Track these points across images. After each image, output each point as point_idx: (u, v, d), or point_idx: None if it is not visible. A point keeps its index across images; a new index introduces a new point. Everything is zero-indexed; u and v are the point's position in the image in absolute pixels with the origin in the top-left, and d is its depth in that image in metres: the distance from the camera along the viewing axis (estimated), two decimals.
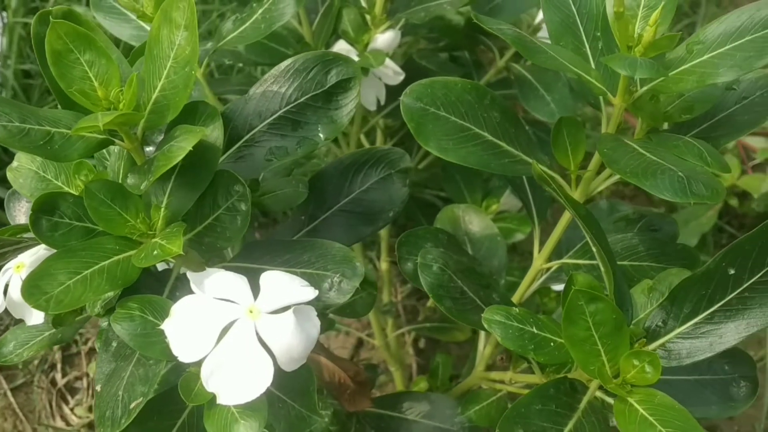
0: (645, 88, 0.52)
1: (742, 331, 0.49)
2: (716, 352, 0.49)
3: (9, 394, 1.06)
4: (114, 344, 0.48)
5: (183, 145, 0.43)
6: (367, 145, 0.98)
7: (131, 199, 0.48)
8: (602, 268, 0.49)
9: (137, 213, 0.48)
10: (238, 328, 0.42)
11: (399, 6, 0.78)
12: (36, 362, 1.09)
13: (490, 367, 0.71)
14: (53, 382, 1.09)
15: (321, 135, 0.54)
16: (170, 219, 0.49)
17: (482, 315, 0.50)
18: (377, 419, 0.70)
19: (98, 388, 0.47)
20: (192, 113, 0.48)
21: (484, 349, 0.70)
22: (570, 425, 0.46)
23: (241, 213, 0.48)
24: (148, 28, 0.66)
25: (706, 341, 0.49)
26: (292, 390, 0.49)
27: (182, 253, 0.44)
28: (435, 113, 0.54)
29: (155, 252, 0.44)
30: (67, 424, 1.05)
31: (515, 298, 0.66)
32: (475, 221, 0.77)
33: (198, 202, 0.49)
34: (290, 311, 0.43)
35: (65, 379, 1.08)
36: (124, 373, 0.46)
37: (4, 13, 1.30)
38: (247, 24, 0.70)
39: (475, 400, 0.65)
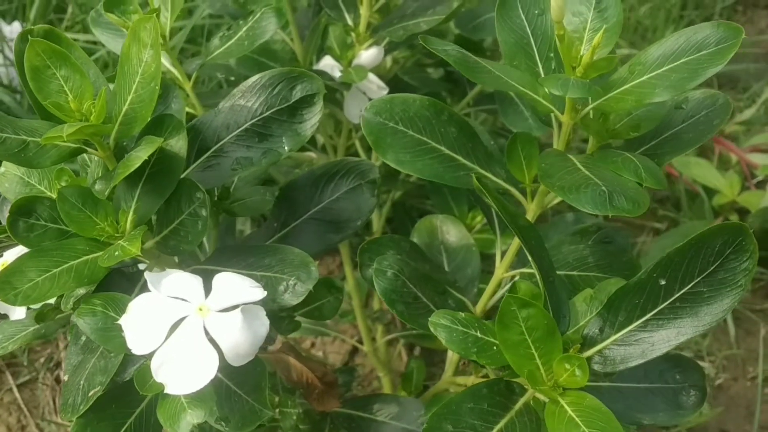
0: (589, 107, 0.55)
1: (673, 339, 0.51)
2: (648, 358, 0.52)
3: (15, 389, 1.11)
4: (83, 338, 0.53)
5: (140, 154, 0.47)
6: (363, 155, 1.01)
7: (101, 204, 0.52)
8: (538, 277, 0.51)
9: (106, 216, 0.52)
10: (187, 324, 0.46)
11: (382, 24, 0.82)
12: (42, 360, 1.14)
13: (460, 372, 0.74)
14: (57, 380, 1.13)
15: (285, 147, 0.58)
16: (137, 222, 0.53)
17: (429, 319, 0.54)
18: (348, 420, 0.73)
19: (65, 378, 0.51)
20: (159, 125, 0.52)
21: (452, 354, 0.73)
22: (501, 424, 0.49)
23: (202, 218, 0.52)
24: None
25: (639, 348, 0.52)
26: (247, 385, 0.53)
27: (140, 254, 0.48)
28: (393, 127, 0.58)
29: (117, 252, 0.48)
30: (70, 420, 1.09)
31: (480, 306, 0.69)
32: (452, 232, 0.80)
33: (164, 207, 0.53)
34: (238, 310, 0.47)
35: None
36: (88, 364, 0.50)
37: (24, 24, 1.36)
38: (232, 41, 0.74)
39: (438, 403, 0.68)
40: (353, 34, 0.83)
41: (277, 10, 0.72)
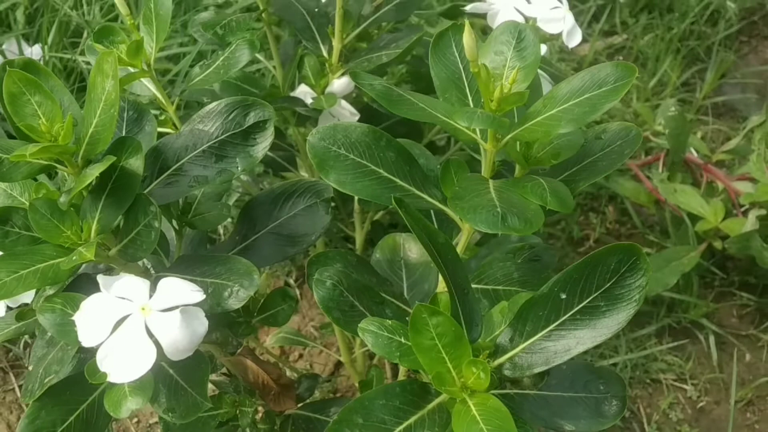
0: (508, 137, 0.60)
1: (573, 348, 0.57)
2: (551, 365, 0.57)
3: (17, 389, 1.19)
4: (48, 334, 0.59)
5: (93, 172, 0.54)
6: None
7: (67, 215, 0.59)
8: (448, 290, 0.57)
9: (71, 226, 0.59)
10: (130, 321, 0.53)
11: (352, 56, 0.88)
12: None
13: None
14: None
15: (239, 167, 0.64)
16: (100, 231, 0.60)
17: (359, 325, 0.60)
18: (307, 421, 0.79)
19: (30, 368, 0.58)
20: (121, 146, 0.60)
21: None
22: (411, 420, 0.55)
23: (155, 229, 0.58)
24: (129, 70, 0.79)
25: (543, 356, 0.57)
26: (191, 380, 0.59)
27: (94, 258, 0.55)
28: (336, 152, 0.64)
29: (75, 257, 0.55)
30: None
31: None
32: (413, 249, 0.86)
33: (125, 219, 0.60)
34: (177, 310, 0.54)
35: None
36: (49, 356, 0.57)
37: (41, 49, 1.45)
38: (211, 69, 0.82)
39: None
40: (327, 65, 0.89)
41: (250, 42, 0.79)
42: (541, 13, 0.91)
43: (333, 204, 1.27)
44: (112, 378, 0.52)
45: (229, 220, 1.03)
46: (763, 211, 1.35)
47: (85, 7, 1.49)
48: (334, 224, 1.19)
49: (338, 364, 1.27)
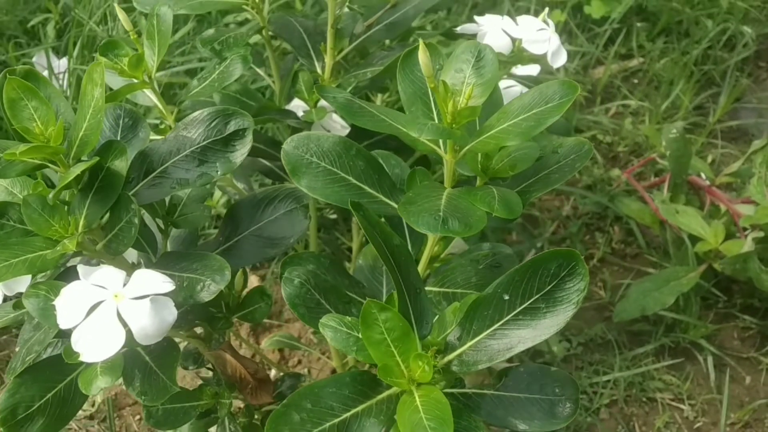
0: (465, 149, 0.65)
1: (515, 347, 0.61)
2: (494, 362, 0.61)
3: None
4: (35, 320, 0.65)
5: (75, 170, 0.60)
6: None
7: (57, 210, 0.65)
8: (396, 289, 0.61)
9: (60, 220, 0.64)
10: (103, 307, 0.58)
11: (342, 73, 0.94)
12: None
13: None
14: None
15: (218, 171, 0.70)
16: (86, 226, 0.66)
17: (320, 321, 0.64)
18: None
19: (17, 349, 0.63)
20: (108, 148, 0.65)
21: None
22: (359, 408, 0.59)
23: (135, 225, 0.64)
24: (131, 81, 0.85)
25: (487, 354, 0.61)
26: (163, 365, 0.64)
27: (74, 249, 0.60)
28: (309, 159, 0.69)
29: (59, 248, 0.61)
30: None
31: None
32: None
33: (110, 216, 0.66)
34: (147, 299, 0.59)
35: None
36: (33, 338, 0.63)
37: (67, 61, 1.54)
38: (206, 82, 0.88)
39: None
40: (319, 80, 0.95)
41: (243, 57, 0.85)
42: (526, 34, 0.95)
43: (334, 217, 1.33)
44: (83, 357, 0.57)
45: None
46: (761, 234, 1.37)
47: (109, 23, 1.57)
48: (335, 236, 1.24)
49: (335, 370, 1.31)
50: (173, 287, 0.60)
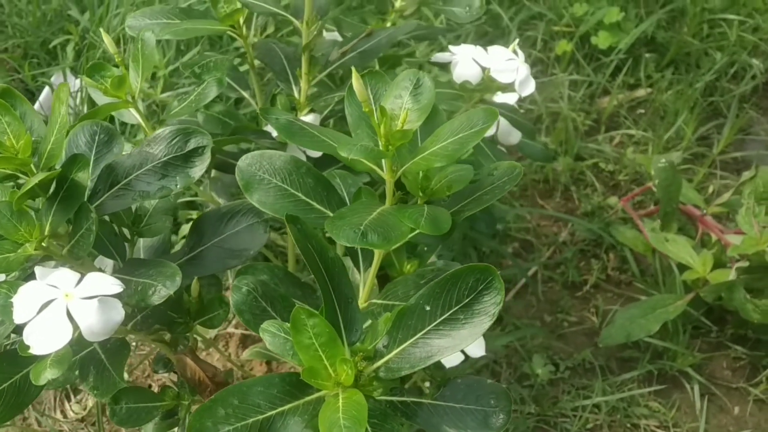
0: (402, 169, 0.70)
1: (435, 355, 0.65)
2: (415, 369, 0.65)
3: None
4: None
5: (33, 180, 0.66)
6: None
7: (25, 216, 0.71)
8: (323, 297, 0.66)
9: (27, 226, 0.71)
10: (53, 304, 0.64)
11: (315, 97, 1.00)
12: None
13: None
14: None
15: (178, 185, 0.76)
16: (51, 232, 0.72)
17: (260, 326, 0.69)
18: None
19: None
20: (73, 161, 0.72)
21: None
22: (285, 407, 0.64)
23: (92, 232, 0.70)
24: (114, 100, 0.92)
25: (409, 362, 0.66)
26: (114, 363, 0.70)
27: (34, 253, 0.66)
28: (261, 176, 0.75)
29: (20, 251, 0.67)
30: (64, 416, 1.29)
31: None
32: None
33: (73, 224, 0.72)
34: (96, 299, 0.64)
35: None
36: None
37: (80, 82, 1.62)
38: (185, 103, 0.94)
39: None
40: (296, 103, 1.01)
41: (218, 80, 0.92)
42: (494, 64, 1.00)
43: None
44: (33, 350, 0.63)
45: None
46: (746, 263, 1.39)
47: (122, 45, 1.66)
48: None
49: None
50: (121, 289, 0.66)
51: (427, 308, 0.65)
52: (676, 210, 1.51)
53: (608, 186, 1.86)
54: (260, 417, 0.62)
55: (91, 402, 1.29)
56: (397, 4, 1.25)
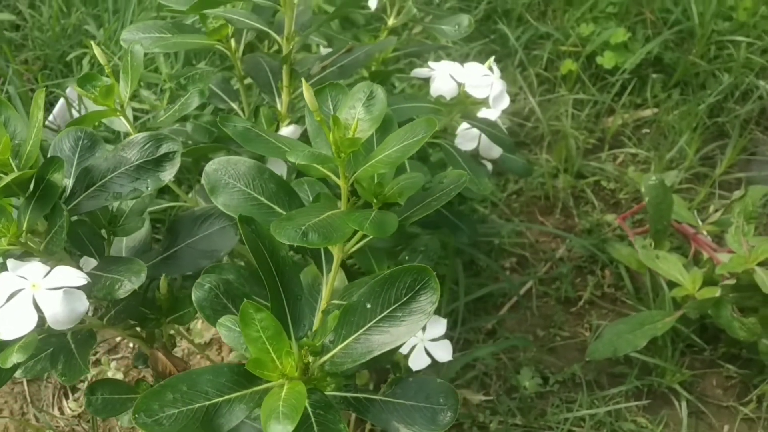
0: (353, 176, 0.74)
1: (375, 350, 0.69)
2: (358, 363, 0.69)
3: (25, 384, 1.38)
4: None
5: (7, 178, 0.71)
6: None
7: (4, 213, 0.77)
8: (269, 295, 0.70)
9: (5, 222, 0.76)
10: (21, 294, 0.69)
11: (296, 110, 1.05)
12: None
13: None
14: None
15: (149, 187, 0.81)
16: (28, 229, 0.77)
17: (218, 321, 0.74)
18: None
19: None
20: (50, 163, 0.77)
21: None
22: (232, 395, 0.68)
23: (64, 229, 0.75)
24: (103, 108, 0.98)
25: (351, 356, 0.70)
26: (81, 351, 0.75)
27: (7, 247, 0.72)
28: (226, 180, 0.80)
29: None
30: (62, 413, 1.35)
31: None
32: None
33: (48, 222, 0.78)
34: (61, 290, 0.70)
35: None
36: None
37: None
38: (169, 113, 1.00)
39: None
40: (278, 114, 1.06)
41: (200, 91, 0.97)
42: (469, 79, 1.05)
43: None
44: (0, 335, 0.68)
45: None
46: (732, 281, 1.41)
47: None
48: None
49: None
50: (85, 282, 0.71)
51: (368, 306, 0.69)
52: (667, 228, 1.54)
53: (609, 204, 1.88)
54: (207, 403, 0.67)
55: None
56: (390, 22, 1.30)
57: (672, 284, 1.51)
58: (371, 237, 0.80)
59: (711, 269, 1.51)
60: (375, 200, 0.77)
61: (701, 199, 1.85)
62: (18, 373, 0.79)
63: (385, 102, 0.75)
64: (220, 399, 0.68)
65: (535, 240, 1.80)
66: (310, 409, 0.69)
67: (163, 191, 1.27)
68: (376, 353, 0.69)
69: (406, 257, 1.19)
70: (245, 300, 0.68)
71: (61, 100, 1.76)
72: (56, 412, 1.36)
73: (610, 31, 2.06)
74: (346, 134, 0.73)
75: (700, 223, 1.62)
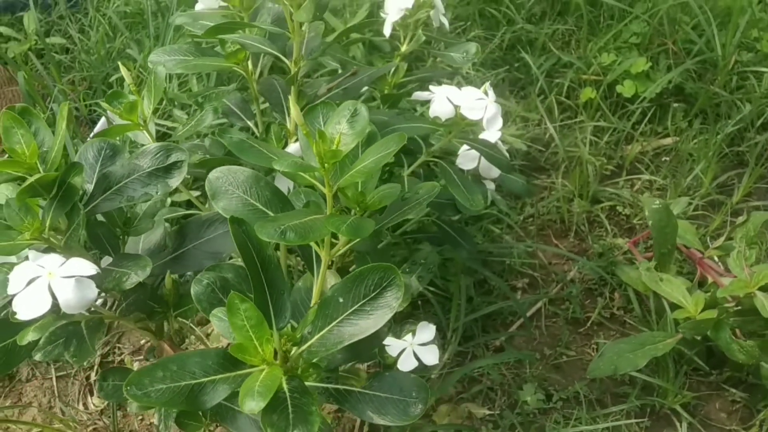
0: (336, 184, 0.83)
1: (346, 340, 0.77)
2: (330, 352, 0.78)
3: (54, 380, 1.49)
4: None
5: (31, 179, 0.82)
6: None
7: (30, 211, 0.87)
8: (253, 288, 0.79)
9: (31, 219, 0.87)
10: (38, 281, 0.80)
11: None
12: None
13: None
14: (87, 378, 1.51)
15: (158, 192, 0.91)
16: (51, 226, 0.88)
17: (211, 312, 0.84)
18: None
19: None
20: (71, 168, 0.88)
21: None
22: (218, 377, 0.77)
23: (81, 227, 0.86)
24: (127, 122, 1.09)
25: (324, 346, 0.78)
26: (91, 337, 0.85)
27: (30, 241, 0.82)
28: (226, 187, 0.90)
29: (19, 239, 0.83)
30: (86, 408, 1.46)
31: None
32: (331, 281, 1.08)
33: (68, 220, 0.88)
34: (73, 279, 0.80)
35: (96, 377, 1.50)
36: None
37: None
38: (188, 127, 1.10)
39: None
40: (286, 131, 1.16)
41: (214, 109, 1.08)
42: (464, 102, 1.13)
43: None
44: (18, 316, 0.78)
45: None
46: (734, 305, 1.45)
47: (168, 83, 1.86)
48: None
49: None
50: (95, 272, 0.81)
51: (341, 300, 0.78)
52: (672, 251, 1.59)
53: (623, 229, 1.94)
54: (193, 382, 0.76)
55: None
56: (403, 48, 1.40)
57: (676, 307, 1.55)
58: (355, 241, 0.89)
59: (714, 293, 1.56)
60: (357, 207, 0.85)
61: (716, 227, 1.90)
62: (38, 356, 0.89)
63: (368, 119, 0.84)
64: (206, 379, 0.77)
65: (548, 262, 1.86)
66: (287, 393, 0.78)
67: (182, 199, 1.38)
68: (347, 343, 0.77)
69: (407, 269, 1.28)
70: (232, 292, 0.77)
71: (103, 118, 1.89)
72: (81, 407, 1.46)
73: (631, 61, 2.12)
74: (331, 146, 0.82)
75: (709, 246, 1.67)
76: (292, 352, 0.80)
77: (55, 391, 1.48)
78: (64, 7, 2.38)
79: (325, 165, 0.82)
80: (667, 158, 2.11)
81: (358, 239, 0.89)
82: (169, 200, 1.62)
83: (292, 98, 1.13)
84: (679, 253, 1.72)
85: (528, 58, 2.17)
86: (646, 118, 2.13)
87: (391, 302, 0.76)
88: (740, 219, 1.56)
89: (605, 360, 1.52)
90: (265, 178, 0.90)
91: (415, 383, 0.87)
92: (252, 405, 0.72)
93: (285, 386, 0.78)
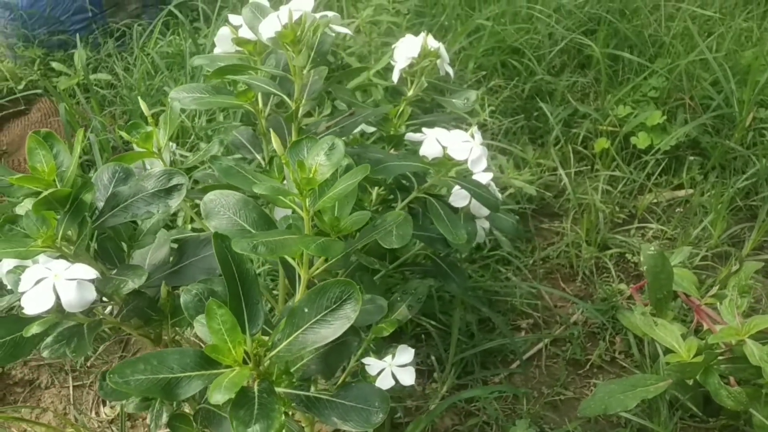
0: (314, 208, 0.95)
1: (309, 346, 0.88)
2: (292, 357, 0.88)
3: (71, 388, 1.62)
4: (8, 287, 1.00)
5: (44, 194, 0.95)
6: None
7: (45, 222, 1.00)
8: (228, 297, 0.90)
9: (46, 229, 1.00)
10: (44, 281, 0.92)
11: None
12: (96, 371, 1.65)
13: None
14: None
15: (159, 211, 1.04)
16: (63, 237, 1.01)
17: (195, 318, 0.95)
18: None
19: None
20: (84, 186, 1.01)
21: None
22: (193, 373, 0.88)
23: (88, 238, 0.98)
24: (142, 150, 1.22)
25: (290, 352, 0.89)
26: (89, 335, 0.97)
27: (42, 248, 0.95)
28: (218, 209, 1.01)
29: (32, 245, 0.96)
30: (98, 416, 1.58)
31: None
32: None
33: (78, 231, 1.01)
34: (75, 281, 0.92)
35: None
36: (5, 300, 0.98)
37: None
38: (197, 155, 1.23)
39: None
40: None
41: (220, 140, 1.21)
42: (451, 143, 1.24)
43: None
44: (25, 311, 0.91)
45: None
46: (726, 352, 1.51)
47: (196, 118, 2.01)
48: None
49: None
50: (95, 276, 0.93)
51: (306, 310, 0.88)
52: (668, 297, 1.65)
53: (630, 275, 2.01)
54: (170, 376, 0.87)
55: (119, 407, 1.57)
56: (409, 93, 1.52)
57: (670, 352, 1.62)
58: (331, 261, 1.00)
59: (707, 339, 1.62)
60: (333, 231, 0.96)
61: (722, 277, 1.95)
62: (45, 353, 1.01)
63: (343, 152, 0.95)
64: (182, 375, 0.88)
65: (554, 304, 1.94)
66: (256, 393, 0.88)
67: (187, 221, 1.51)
68: (309, 349, 0.88)
69: (398, 298, 1.37)
70: (210, 299, 0.89)
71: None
72: (93, 415, 1.58)
73: (647, 113, 2.21)
74: (308, 175, 0.93)
75: (708, 293, 1.73)
76: (264, 356, 0.91)
77: (71, 399, 1.60)
78: (112, 46, 2.57)
79: (303, 191, 0.93)
80: (681, 209, 2.18)
81: (333, 260, 1.00)
82: (189, 226, 1.76)
83: (294, 134, 1.25)
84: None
85: (545, 108, 2.27)
86: (660, 169, 2.21)
87: (350, 314, 0.87)
88: (733, 268, 1.62)
89: (596, 399, 1.58)
90: (253, 201, 1.02)
91: (378, 394, 0.97)
92: (218, 397, 0.82)
93: (255, 387, 0.89)
